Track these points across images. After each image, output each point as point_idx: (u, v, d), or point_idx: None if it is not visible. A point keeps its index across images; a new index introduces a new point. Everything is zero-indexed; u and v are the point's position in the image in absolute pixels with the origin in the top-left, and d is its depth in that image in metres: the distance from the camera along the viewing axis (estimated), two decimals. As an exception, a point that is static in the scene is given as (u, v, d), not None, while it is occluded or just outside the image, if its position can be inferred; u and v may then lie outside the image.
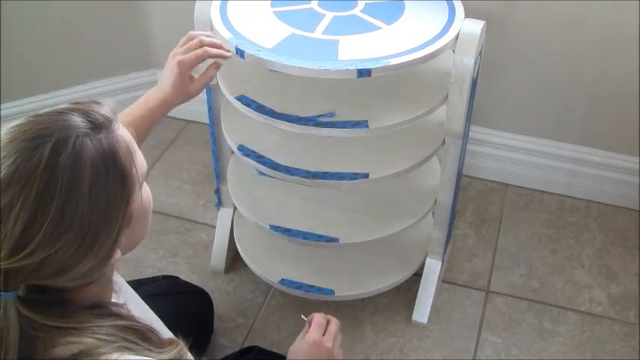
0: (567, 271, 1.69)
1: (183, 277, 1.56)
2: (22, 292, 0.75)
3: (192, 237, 1.77)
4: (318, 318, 1.13)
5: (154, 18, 1.96)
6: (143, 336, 0.81)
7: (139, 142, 1.11)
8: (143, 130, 1.16)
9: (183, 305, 1.40)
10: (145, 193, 0.83)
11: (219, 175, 1.59)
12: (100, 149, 0.75)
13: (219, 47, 1.20)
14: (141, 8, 1.94)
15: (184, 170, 1.97)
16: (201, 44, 1.19)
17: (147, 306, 1.07)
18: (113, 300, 0.91)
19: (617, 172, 1.80)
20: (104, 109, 0.79)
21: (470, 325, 1.56)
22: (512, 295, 1.63)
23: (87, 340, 0.75)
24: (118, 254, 0.79)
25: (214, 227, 1.68)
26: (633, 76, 1.64)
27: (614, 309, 1.60)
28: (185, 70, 1.19)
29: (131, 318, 0.84)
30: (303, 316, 1.16)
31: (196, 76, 1.23)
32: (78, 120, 0.75)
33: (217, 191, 1.62)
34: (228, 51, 1.21)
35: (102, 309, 0.81)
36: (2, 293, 0.73)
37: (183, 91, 1.20)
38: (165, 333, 1.03)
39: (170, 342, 0.83)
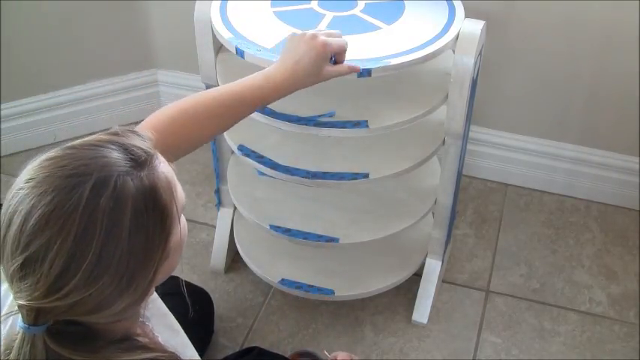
0: (567, 271, 1.69)
1: (183, 277, 1.56)
2: (50, 324, 0.72)
3: (192, 237, 1.77)
4: (342, 356, 1.11)
5: (154, 18, 1.96)
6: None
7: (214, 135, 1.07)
8: (236, 113, 1.06)
9: (183, 305, 1.40)
10: (182, 225, 0.79)
11: (219, 175, 1.59)
12: (141, 189, 0.71)
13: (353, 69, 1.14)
14: (141, 8, 1.94)
15: (184, 170, 1.97)
16: (342, 39, 1.12)
17: (183, 334, 1.04)
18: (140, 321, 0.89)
19: (617, 172, 1.80)
20: (145, 144, 0.75)
21: (470, 325, 1.56)
22: (512, 295, 1.63)
23: None
24: (153, 291, 0.77)
25: (214, 227, 1.68)
26: (633, 76, 1.64)
27: (614, 309, 1.60)
28: (330, 50, 1.08)
29: (157, 347, 0.82)
30: (326, 352, 1.15)
31: None
32: (118, 157, 0.72)
33: (217, 191, 1.62)
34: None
35: (130, 342, 0.79)
36: (31, 327, 0.71)
37: (318, 73, 1.08)
38: (187, 347, 1.01)
39: None
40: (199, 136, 1.05)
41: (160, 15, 1.95)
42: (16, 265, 0.69)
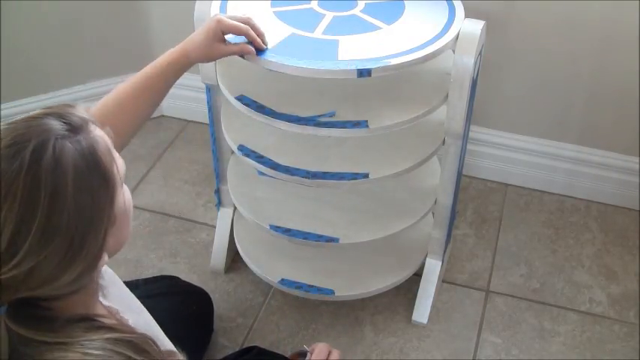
0: (567, 271, 1.69)
1: (183, 277, 1.56)
2: (10, 307, 0.74)
3: (192, 237, 1.77)
4: (320, 347, 1.12)
5: (154, 18, 1.96)
6: (138, 348, 0.78)
7: (148, 114, 1.13)
8: (152, 94, 1.14)
9: (183, 305, 1.40)
10: (126, 193, 0.82)
11: (219, 175, 1.59)
12: (80, 150, 0.74)
13: (261, 37, 1.18)
14: (141, 8, 1.94)
15: (184, 170, 1.97)
16: (249, 23, 1.16)
17: (147, 313, 1.05)
18: (105, 304, 0.90)
19: (617, 172, 1.80)
20: (78, 111, 0.78)
21: (470, 325, 1.56)
22: (512, 295, 1.63)
23: (75, 356, 0.73)
24: (105, 257, 0.78)
25: (214, 227, 1.68)
26: (633, 75, 1.64)
27: (614, 309, 1.60)
28: (221, 27, 1.13)
29: (124, 329, 0.82)
30: (305, 346, 1.15)
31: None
32: (54, 123, 0.75)
33: (217, 191, 1.62)
34: (263, 49, 1.19)
35: (91, 322, 0.79)
36: None
37: (209, 46, 1.14)
38: (163, 339, 1.01)
39: (169, 354, 0.82)
40: (138, 114, 1.14)
41: (160, 15, 1.95)
42: None
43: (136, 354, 0.77)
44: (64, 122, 0.75)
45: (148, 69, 1.15)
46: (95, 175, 0.75)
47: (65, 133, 0.74)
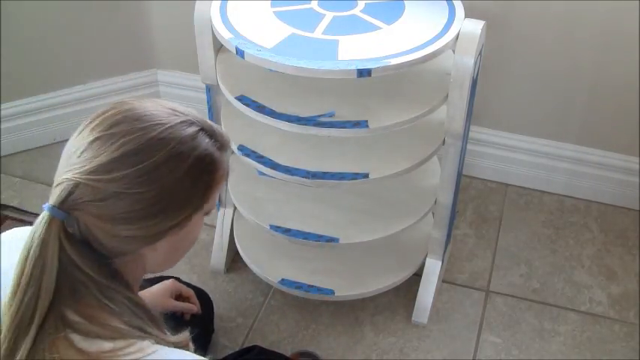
0: (567, 271, 1.69)
1: (183, 277, 1.56)
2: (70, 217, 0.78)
3: (192, 237, 1.76)
4: None
5: (154, 18, 1.96)
6: (153, 318, 0.84)
7: None
8: None
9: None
10: (200, 227, 0.88)
11: (219, 175, 1.58)
12: (211, 152, 0.84)
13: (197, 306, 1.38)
14: (141, 8, 1.94)
15: (184, 170, 1.97)
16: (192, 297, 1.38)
17: None
18: None
19: (617, 172, 1.80)
20: (225, 134, 0.88)
21: (470, 325, 1.56)
22: (512, 295, 1.63)
23: (104, 315, 0.79)
24: (153, 250, 0.83)
25: (214, 227, 1.68)
26: (633, 76, 1.64)
27: (614, 309, 1.60)
28: (174, 287, 1.34)
29: (145, 303, 0.87)
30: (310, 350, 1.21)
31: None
32: (206, 122, 0.86)
33: (217, 191, 1.63)
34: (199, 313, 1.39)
35: (125, 282, 0.84)
36: (54, 208, 0.76)
37: (162, 297, 1.31)
38: None
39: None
40: None
41: (160, 15, 1.95)
42: (89, 139, 0.79)
43: (151, 322, 0.84)
44: (212, 128, 0.86)
45: None
46: (207, 176, 0.84)
47: (211, 133, 0.85)
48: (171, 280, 1.35)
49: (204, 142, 0.84)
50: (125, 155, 0.78)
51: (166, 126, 0.81)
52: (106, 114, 0.83)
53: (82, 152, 0.79)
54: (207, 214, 0.88)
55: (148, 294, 1.27)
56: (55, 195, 0.78)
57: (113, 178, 0.77)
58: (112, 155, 0.78)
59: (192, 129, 0.83)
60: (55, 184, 0.79)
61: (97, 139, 0.79)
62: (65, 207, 0.77)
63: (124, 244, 0.81)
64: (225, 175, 0.87)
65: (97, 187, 0.77)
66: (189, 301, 1.38)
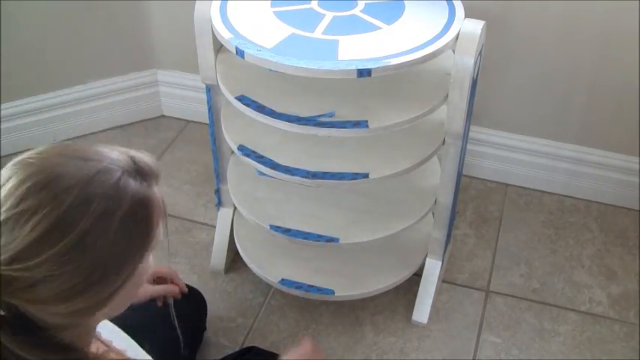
0: (567, 271, 1.69)
1: (183, 277, 1.56)
2: (8, 320, 0.70)
3: (192, 237, 1.77)
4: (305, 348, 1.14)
5: (154, 18, 1.96)
6: None
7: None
8: None
9: (175, 305, 1.40)
10: (150, 264, 0.81)
11: (219, 175, 1.59)
12: (140, 194, 0.74)
13: (181, 287, 1.30)
14: (141, 8, 1.94)
15: (184, 170, 1.97)
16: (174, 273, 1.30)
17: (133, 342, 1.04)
18: (102, 338, 0.89)
19: (617, 172, 1.80)
20: (148, 159, 0.79)
21: (470, 325, 1.56)
22: (512, 295, 1.63)
23: None
24: (106, 309, 0.76)
25: (214, 227, 1.68)
26: (633, 76, 1.64)
27: (614, 309, 1.60)
28: (154, 271, 1.25)
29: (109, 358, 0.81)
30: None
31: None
32: (125, 159, 0.76)
33: (217, 191, 1.62)
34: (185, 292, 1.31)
35: (72, 352, 0.76)
36: None
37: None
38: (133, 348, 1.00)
39: None
40: None
41: (160, 15, 1.95)
42: None
43: None
44: (134, 163, 0.76)
45: None
46: (142, 224, 0.75)
47: (132, 171, 0.75)
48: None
49: (130, 186, 0.73)
50: (43, 235, 0.68)
51: (80, 185, 0.70)
52: (7, 186, 0.70)
53: None
54: (153, 250, 0.80)
55: None
56: None
57: (36, 264, 0.68)
58: (28, 239, 0.68)
59: (112, 177, 0.72)
60: None
61: (6, 220, 0.69)
62: None
63: (69, 319, 0.74)
64: (162, 208, 0.79)
65: (21, 277, 0.68)
66: (172, 283, 1.29)
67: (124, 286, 0.75)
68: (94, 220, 0.70)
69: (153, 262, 0.82)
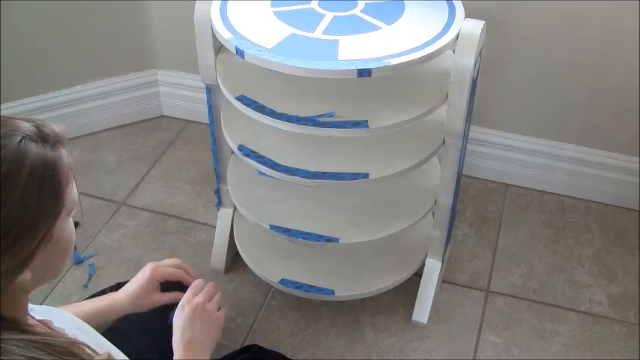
0: (567, 271, 1.69)
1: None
2: None
3: (192, 237, 1.77)
4: (195, 283, 1.17)
5: (154, 18, 1.96)
6: (65, 350, 0.77)
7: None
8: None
9: (175, 307, 1.40)
10: (69, 228, 0.82)
11: (219, 175, 1.59)
12: (43, 156, 0.76)
13: (194, 278, 1.27)
14: (141, 8, 1.94)
15: (184, 170, 1.97)
16: (182, 267, 1.28)
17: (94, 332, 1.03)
18: (38, 318, 0.88)
19: (617, 172, 1.80)
20: (55, 127, 0.81)
21: (470, 325, 1.56)
22: (512, 295, 1.63)
23: None
24: (27, 275, 0.77)
25: (214, 227, 1.68)
26: (633, 76, 1.64)
27: (614, 309, 1.60)
28: (156, 276, 1.23)
29: (49, 333, 0.81)
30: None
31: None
32: (29, 127, 0.78)
33: (217, 191, 1.62)
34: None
35: (10, 323, 0.77)
36: None
37: (145, 296, 1.21)
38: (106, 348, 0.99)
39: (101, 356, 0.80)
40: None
41: (160, 15, 1.95)
42: None
43: (64, 355, 0.76)
44: (37, 129, 0.78)
45: (77, 309, 1.12)
46: (48, 185, 0.77)
47: (35, 137, 0.77)
48: (149, 266, 1.24)
49: (31, 149, 0.76)
50: None
51: None
52: None
53: None
54: (70, 213, 0.82)
55: (125, 296, 1.20)
56: None
57: None
58: None
59: (12, 141, 0.75)
60: None
61: None
62: None
63: None
64: (68, 168, 0.80)
65: None
66: (179, 283, 1.27)
67: (41, 248, 0.77)
68: None
69: (72, 227, 0.83)
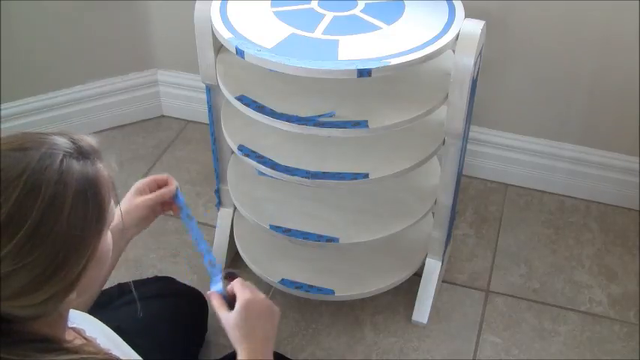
0: (567, 271, 1.69)
1: (183, 277, 1.56)
2: None
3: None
4: (238, 281, 1.10)
5: (154, 18, 1.96)
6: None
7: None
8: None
9: (176, 307, 1.40)
10: (109, 239, 0.81)
11: (219, 175, 1.59)
12: (85, 174, 0.74)
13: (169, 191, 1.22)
14: (141, 8, 1.94)
15: (184, 170, 1.97)
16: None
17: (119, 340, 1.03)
18: (70, 325, 0.88)
19: (617, 172, 1.80)
20: (90, 139, 0.79)
21: (470, 325, 1.56)
22: (512, 295, 1.63)
23: None
24: (74, 294, 0.76)
25: (214, 227, 1.68)
26: (633, 75, 1.64)
27: (614, 309, 1.60)
28: (139, 183, 1.20)
29: (87, 350, 0.80)
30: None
31: None
32: (66, 142, 0.75)
33: (217, 191, 1.62)
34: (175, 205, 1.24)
35: (50, 344, 0.76)
36: None
37: (132, 206, 1.18)
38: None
39: None
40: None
41: (160, 15, 1.95)
42: None
43: None
44: (74, 144, 0.76)
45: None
46: (92, 202, 0.75)
47: (74, 153, 0.75)
48: (140, 181, 1.22)
49: (74, 167, 0.73)
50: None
51: (24, 177, 0.70)
52: None
53: None
54: (110, 226, 0.80)
55: (118, 220, 1.13)
56: None
57: None
58: None
59: (54, 161, 0.72)
60: None
61: None
62: None
63: (39, 309, 0.74)
64: (109, 182, 0.78)
65: None
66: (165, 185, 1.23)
67: (88, 267, 0.76)
68: (45, 208, 0.70)
69: (111, 239, 0.82)
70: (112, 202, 0.80)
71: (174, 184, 1.23)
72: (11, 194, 0.69)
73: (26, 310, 0.73)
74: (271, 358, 1.03)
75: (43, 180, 0.70)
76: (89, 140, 0.79)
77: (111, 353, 0.83)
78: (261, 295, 1.08)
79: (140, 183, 1.21)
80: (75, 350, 0.78)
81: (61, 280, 0.73)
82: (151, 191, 1.21)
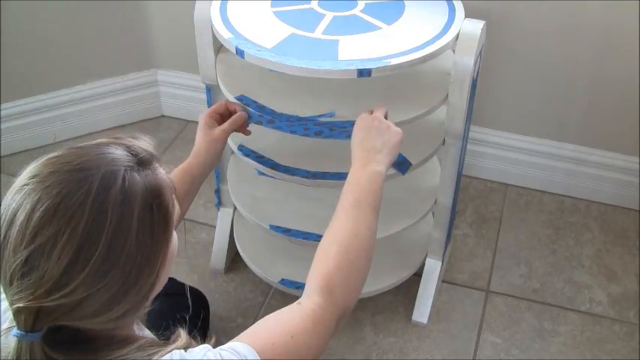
0: (567, 271, 1.69)
1: (183, 277, 1.56)
2: (46, 331, 0.71)
3: (193, 237, 1.77)
4: (362, 116, 1.13)
5: (154, 18, 1.96)
6: (160, 343, 0.79)
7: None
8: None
9: (177, 307, 1.40)
10: (174, 238, 0.80)
11: (219, 175, 1.59)
12: (148, 186, 0.73)
13: (241, 116, 1.27)
14: (141, 8, 1.94)
15: (184, 170, 1.97)
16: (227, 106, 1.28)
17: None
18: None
19: (617, 172, 1.80)
20: (145, 144, 0.78)
21: (470, 325, 1.56)
22: (512, 295, 1.63)
23: None
24: (149, 302, 0.77)
25: (214, 227, 1.68)
26: (633, 76, 1.64)
27: (614, 309, 1.60)
28: (205, 117, 1.24)
29: (144, 336, 0.82)
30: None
31: None
32: (122, 154, 0.74)
33: (217, 191, 1.62)
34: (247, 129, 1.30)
35: (126, 340, 0.77)
36: (29, 334, 0.69)
37: (208, 137, 1.22)
38: None
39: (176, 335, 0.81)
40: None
41: (160, 15, 1.95)
42: (19, 260, 0.68)
43: (160, 348, 0.77)
44: (132, 154, 0.75)
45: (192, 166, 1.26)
46: (158, 214, 0.74)
47: (134, 165, 0.73)
48: (200, 117, 1.25)
49: (137, 183, 0.72)
50: (71, 261, 0.68)
51: (90, 200, 0.69)
52: (17, 222, 0.69)
53: (22, 274, 0.68)
54: (175, 227, 0.80)
55: (194, 150, 1.22)
56: (20, 322, 0.69)
57: (72, 289, 0.68)
58: (57, 269, 0.68)
59: (116, 180, 0.71)
60: (12, 310, 0.70)
61: (31, 253, 0.68)
62: (37, 328, 0.69)
63: (119, 321, 0.75)
64: (170, 184, 0.78)
65: (61, 304, 0.69)
66: (230, 112, 1.27)
67: (161, 273, 0.76)
68: (114, 230, 0.69)
69: (176, 237, 0.81)
70: (175, 201, 0.79)
71: (240, 108, 1.27)
72: (80, 221, 0.68)
73: (105, 324, 0.74)
74: (379, 169, 1.07)
75: (108, 203, 0.69)
76: (145, 145, 0.77)
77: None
78: (376, 113, 1.12)
79: (206, 116, 1.24)
80: (139, 337, 0.80)
81: (136, 294, 0.73)
82: (221, 118, 1.26)
